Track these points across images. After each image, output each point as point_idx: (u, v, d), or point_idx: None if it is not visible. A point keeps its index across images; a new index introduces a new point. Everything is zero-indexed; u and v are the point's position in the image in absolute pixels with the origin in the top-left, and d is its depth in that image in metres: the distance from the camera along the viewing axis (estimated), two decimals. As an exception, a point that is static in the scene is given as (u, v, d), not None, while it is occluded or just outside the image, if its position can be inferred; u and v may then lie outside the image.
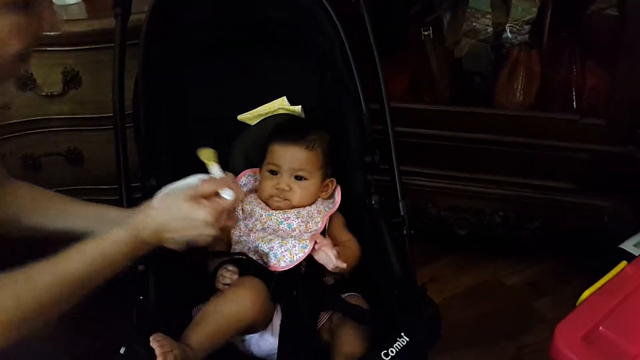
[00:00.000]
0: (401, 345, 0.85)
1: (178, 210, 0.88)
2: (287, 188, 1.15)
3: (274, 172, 1.18)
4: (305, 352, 1.04)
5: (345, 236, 1.18)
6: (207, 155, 0.98)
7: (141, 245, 0.88)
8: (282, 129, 1.21)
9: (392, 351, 0.85)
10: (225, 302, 1.00)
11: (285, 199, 1.16)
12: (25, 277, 0.80)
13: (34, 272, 0.81)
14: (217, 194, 0.90)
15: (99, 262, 0.84)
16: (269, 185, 1.17)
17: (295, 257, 1.06)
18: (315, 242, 1.06)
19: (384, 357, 0.85)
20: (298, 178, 1.16)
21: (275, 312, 1.07)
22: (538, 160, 1.70)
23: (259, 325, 1.05)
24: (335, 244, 1.13)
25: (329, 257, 1.04)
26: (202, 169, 0.99)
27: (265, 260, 1.09)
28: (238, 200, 0.93)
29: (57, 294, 0.81)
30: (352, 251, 1.14)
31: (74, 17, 1.45)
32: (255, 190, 1.22)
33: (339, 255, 1.05)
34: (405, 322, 0.92)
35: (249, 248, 1.12)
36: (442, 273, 1.86)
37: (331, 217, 1.18)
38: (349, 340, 1.00)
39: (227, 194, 0.89)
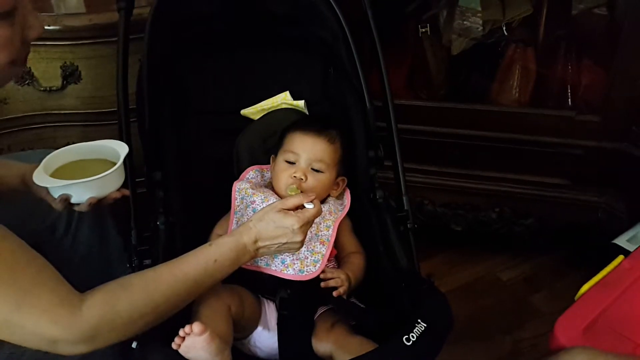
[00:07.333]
0: (420, 331, 0.86)
1: (270, 219, 0.98)
2: (303, 177, 1.13)
3: (290, 162, 1.16)
4: (306, 348, 1.05)
5: (352, 246, 1.17)
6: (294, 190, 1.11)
7: (243, 251, 0.97)
8: (303, 120, 1.20)
9: (412, 336, 0.86)
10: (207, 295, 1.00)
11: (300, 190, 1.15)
12: (152, 277, 0.90)
13: (157, 273, 0.91)
14: (302, 207, 1.01)
15: (211, 266, 0.94)
16: (286, 175, 1.14)
17: (305, 268, 1.06)
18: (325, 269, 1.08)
19: (405, 342, 0.85)
20: (315, 170, 1.15)
21: (269, 309, 1.07)
22: (533, 156, 1.72)
23: (248, 316, 1.04)
24: (341, 254, 1.15)
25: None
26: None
27: (269, 262, 1.07)
28: (320, 211, 1.01)
29: (176, 294, 0.90)
30: (357, 268, 1.14)
31: (73, 11, 1.44)
32: (266, 185, 1.21)
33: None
34: (419, 310, 0.93)
35: None
36: (438, 269, 1.87)
37: (340, 222, 1.17)
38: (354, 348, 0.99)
39: (310, 205, 1.00)
